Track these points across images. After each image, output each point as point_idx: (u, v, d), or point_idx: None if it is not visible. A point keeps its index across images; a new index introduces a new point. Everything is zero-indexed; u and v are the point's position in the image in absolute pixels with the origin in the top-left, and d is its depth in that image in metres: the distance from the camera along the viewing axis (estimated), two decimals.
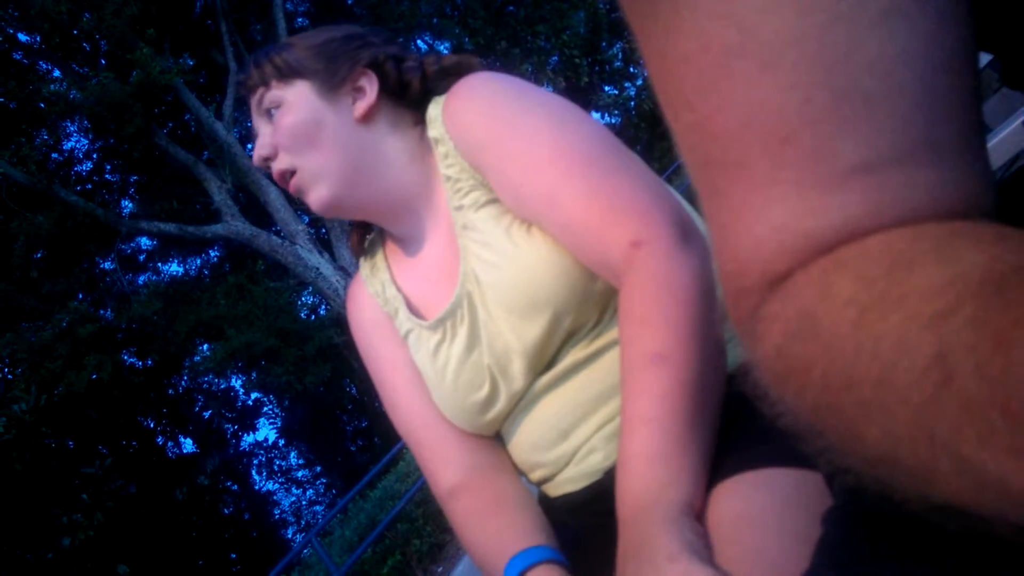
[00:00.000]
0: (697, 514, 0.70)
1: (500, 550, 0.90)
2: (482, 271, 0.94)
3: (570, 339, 0.94)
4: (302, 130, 0.99)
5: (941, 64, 0.34)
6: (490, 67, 1.04)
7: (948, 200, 0.35)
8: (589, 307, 0.92)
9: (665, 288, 0.77)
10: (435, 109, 1.01)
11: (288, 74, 1.02)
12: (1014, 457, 0.23)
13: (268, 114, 1.02)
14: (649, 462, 0.72)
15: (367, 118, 1.02)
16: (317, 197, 1.00)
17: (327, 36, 1.05)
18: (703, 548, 0.65)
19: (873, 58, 0.33)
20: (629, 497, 0.72)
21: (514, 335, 0.93)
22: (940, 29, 0.34)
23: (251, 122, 1.07)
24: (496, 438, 1.06)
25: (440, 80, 1.05)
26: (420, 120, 1.05)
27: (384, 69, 1.04)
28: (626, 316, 0.80)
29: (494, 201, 0.95)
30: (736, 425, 0.77)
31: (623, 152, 0.90)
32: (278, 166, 1.00)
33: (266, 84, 1.02)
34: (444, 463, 1.03)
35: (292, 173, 1.00)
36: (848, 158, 0.35)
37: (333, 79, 1.02)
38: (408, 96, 1.05)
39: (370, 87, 1.03)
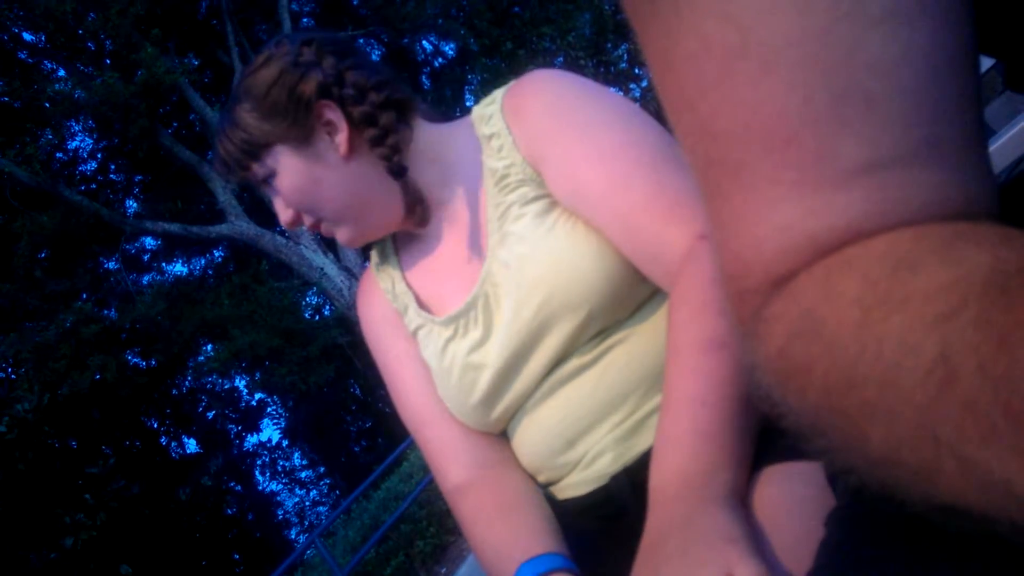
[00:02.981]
0: (741, 500, 0.69)
1: (509, 553, 0.88)
2: (514, 267, 0.93)
3: (589, 341, 0.93)
4: (303, 194, 0.99)
5: (942, 65, 0.34)
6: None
7: (951, 201, 0.35)
8: (621, 310, 0.92)
9: None
10: (491, 107, 1.01)
11: (259, 151, 0.98)
12: (1017, 457, 0.23)
13: (266, 184, 1.01)
14: (701, 441, 0.70)
15: (353, 149, 0.98)
16: (345, 239, 1.02)
17: (264, 83, 0.96)
18: (752, 536, 0.63)
19: (874, 59, 0.33)
20: (674, 474, 0.70)
21: (538, 333, 0.92)
22: (941, 30, 0.34)
23: None
24: (504, 435, 1.05)
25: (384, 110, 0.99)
26: (408, 122, 1.01)
27: (334, 94, 0.97)
28: (683, 302, 0.79)
29: (542, 197, 0.95)
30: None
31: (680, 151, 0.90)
32: (307, 223, 1.02)
33: (246, 168, 1.00)
34: (451, 458, 1.02)
35: (318, 223, 1.02)
36: (850, 158, 0.35)
37: (301, 131, 0.96)
38: (368, 131, 0.98)
39: (337, 118, 0.97)
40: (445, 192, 1.03)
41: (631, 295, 0.92)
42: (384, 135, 0.97)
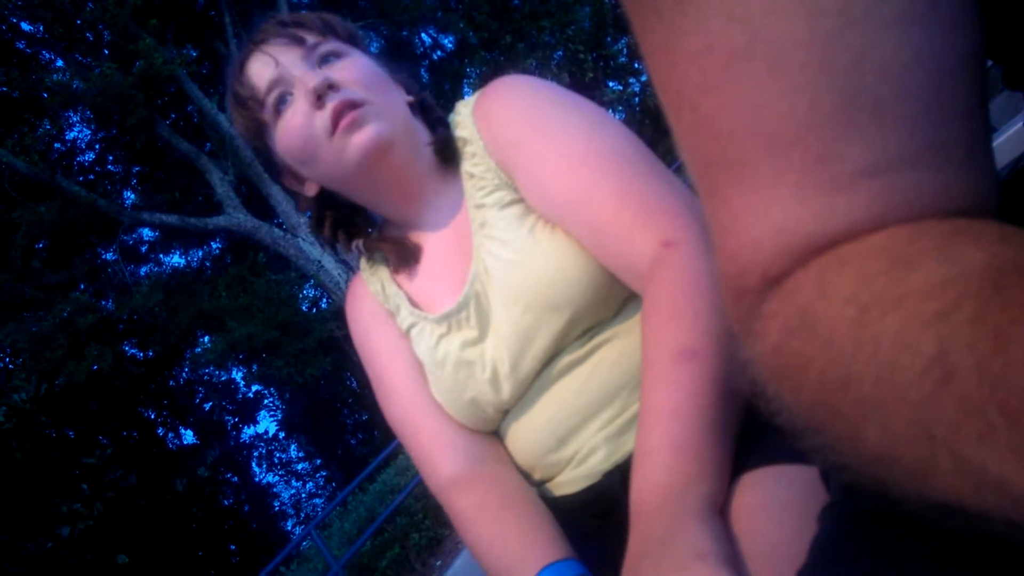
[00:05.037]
0: (719, 510, 0.68)
1: (521, 553, 0.87)
2: (499, 270, 0.94)
3: (578, 339, 0.94)
4: (378, 77, 1.00)
5: (952, 68, 0.34)
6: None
7: (953, 201, 0.35)
8: (606, 309, 0.93)
9: (696, 286, 0.76)
10: (464, 110, 1.02)
11: (354, 41, 1.04)
12: (1013, 456, 0.23)
13: (320, 61, 0.99)
14: (677, 454, 0.70)
15: (409, 108, 1.05)
16: (376, 131, 0.95)
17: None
18: (728, 548, 0.63)
19: (884, 62, 0.33)
20: (652, 487, 0.70)
21: (527, 335, 0.93)
22: (951, 33, 0.33)
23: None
24: (496, 435, 1.05)
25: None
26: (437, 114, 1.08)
27: (407, 84, 1.08)
28: (654, 311, 0.79)
29: (518, 201, 0.96)
30: (762, 420, 0.75)
31: (651, 156, 0.90)
32: (348, 95, 0.95)
33: (325, 36, 1.01)
34: (444, 450, 1.00)
35: (358, 105, 0.95)
36: (854, 161, 0.34)
37: (386, 69, 1.05)
38: (425, 113, 1.08)
39: (405, 91, 1.06)
40: (439, 191, 1.04)
41: (614, 294, 0.92)
42: (434, 107, 1.08)
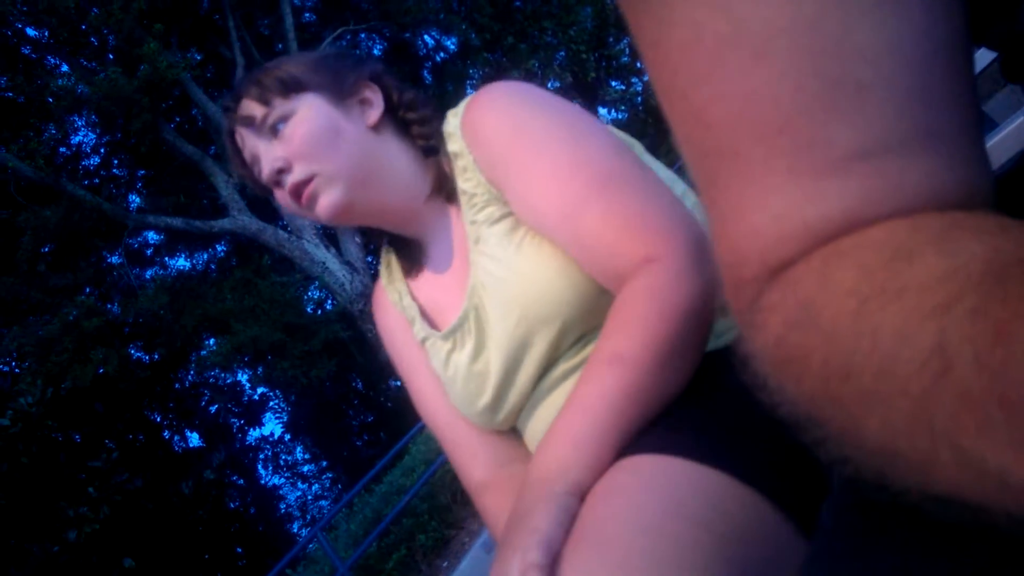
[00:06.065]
0: (582, 495, 0.72)
1: None
2: (491, 285, 0.96)
3: (572, 347, 0.96)
4: (320, 136, 0.99)
5: (934, 52, 0.34)
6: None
7: (946, 189, 0.35)
8: (597, 316, 0.94)
9: (657, 301, 0.78)
10: (453, 122, 1.02)
11: (294, 88, 1.02)
12: (1012, 448, 0.24)
13: (273, 131, 1.01)
14: (569, 443, 0.75)
15: (378, 127, 1.04)
16: (331, 201, 0.99)
17: (319, 55, 1.08)
18: (559, 531, 0.66)
19: (865, 46, 0.33)
20: (537, 469, 0.75)
21: (521, 346, 0.96)
22: (932, 18, 0.34)
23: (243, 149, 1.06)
24: (517, 432, 1.10)
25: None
26: (423, 137, 1.07)
27: (384, 83, 1.08)
28: (612, 316, 0.82)
29: (508, 216, 0.97)
30: (675, 414, 0.79)
31: (639, 166, 0.91)
32: (294, 178, 0.99)
33: (267, 103, 1.01)
34: (472, 457, 1.07)
35: (308, 181, 0.99)
36: (843, 145, 0.34)
37: (341, 90, 1.04)
38: (409, 114, 1.08)
39: (376, 99, 1.06)
40: (425, 211, 1.06)
41: (602, 303, 0.93)
42: (423, 120, 1.07)
